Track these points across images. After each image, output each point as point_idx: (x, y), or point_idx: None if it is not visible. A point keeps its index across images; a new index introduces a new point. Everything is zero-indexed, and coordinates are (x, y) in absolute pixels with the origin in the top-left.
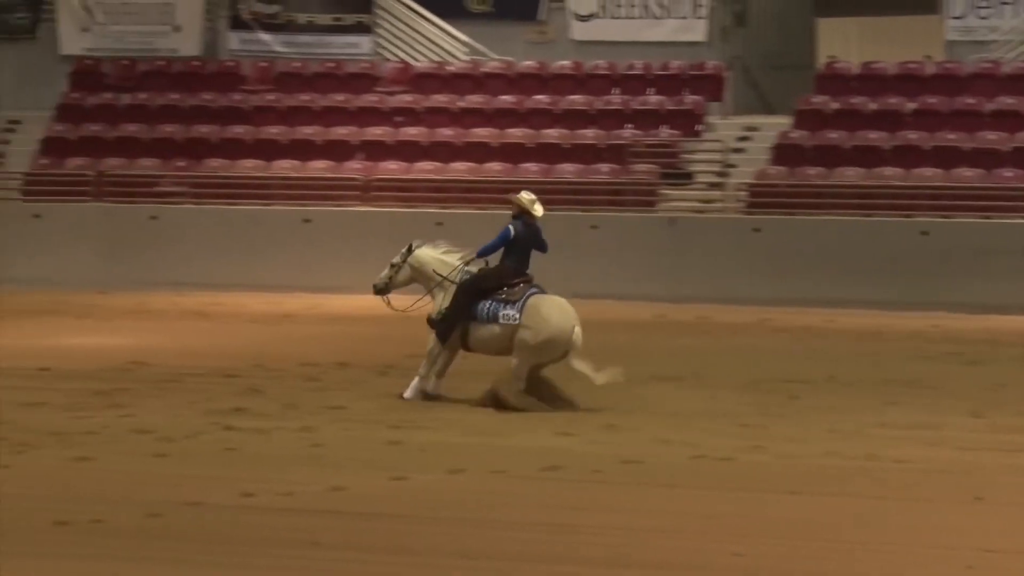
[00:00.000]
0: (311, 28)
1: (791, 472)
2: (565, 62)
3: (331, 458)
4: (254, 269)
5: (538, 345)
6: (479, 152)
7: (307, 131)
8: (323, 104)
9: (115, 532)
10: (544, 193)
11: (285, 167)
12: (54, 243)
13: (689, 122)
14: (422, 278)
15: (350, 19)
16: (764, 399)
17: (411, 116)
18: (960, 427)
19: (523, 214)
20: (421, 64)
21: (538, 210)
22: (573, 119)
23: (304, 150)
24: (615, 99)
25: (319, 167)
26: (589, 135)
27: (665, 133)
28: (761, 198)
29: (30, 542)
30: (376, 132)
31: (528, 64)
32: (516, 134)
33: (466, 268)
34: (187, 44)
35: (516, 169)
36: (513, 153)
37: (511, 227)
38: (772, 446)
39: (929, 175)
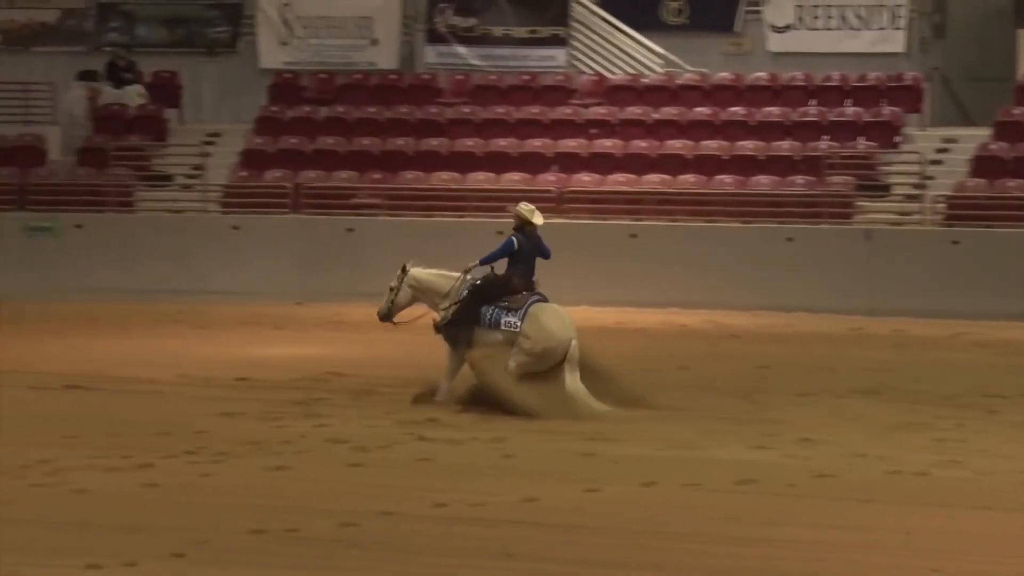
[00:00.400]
0: (507, 41)
1: (988, 488)
2: (761, 73)
3: (523, 469)
4: None
5: (537, 354)
6: (673, 164)
7: (502, 143)
8: (518, 116)
9: (309, 541)
10: (739, 205)
11: (480, 179)
12: (252, 254)
13: (887, 134)
14: (423, 294)
15: (545, 32)
16: (961, 414)
17: (605, 128)
18: None
19: (525, 225)
20: (616, 76)
21: (538, 219)
22: (769, 131)
23: (499, 162)
24: (811, 110)
25: (513, 179)
26: (785, 147)
27: (862, 145)
28: (960, 210)
29: (226, 550)
30: (570, 144)
31: (723, 76)
32: (711, 146)
33: (468, 278)
34: (385, 57)
35: (711, 181)
36: (707, 165)
37: (514, 239)
38: (969, 461)
39: None
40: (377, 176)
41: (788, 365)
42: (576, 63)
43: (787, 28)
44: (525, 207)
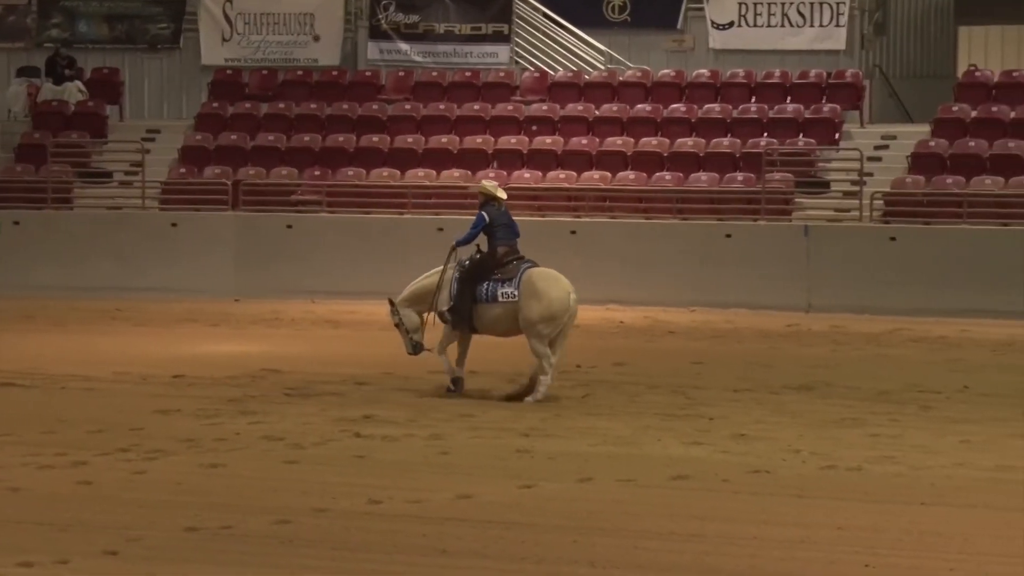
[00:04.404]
0: (449, 38)
1: (922, 483)
2: (703, 71)
3: (459, 465)
4: (388, 277)
5: (542, 318)
6: (614, 161)
7: (443, 140)
8: (459, 113)
9: (243, 538)
10: (679, 202)
11: (420, 176)
12: (191, 251)
13: (827, 131)
14: (421, 304)
15: (488, 28)
16: (896, 409)
17: (547, 125)
18: None
19: (491, 200)
20: (558, 73)
21: (502, 194)
22: (709, 128)
23: (439, 159)
24: (752, 108)
25: (454, 176)
26: (725, 144)
27: (802, 142)
28: (898, 207)
29: (160, 547)
30: (511, 141)
31: (665, 73)
32: (652, 143)
33: (453, 265)
34: (327, 54)
35: (651, 178)
36: (648, 162)
37: (484, 213)
38: (903, 457)
39: None
40: (317, 173)
41: (724, 361)
42: (519, 60)
43: (729, 25)
44: (489, 183)
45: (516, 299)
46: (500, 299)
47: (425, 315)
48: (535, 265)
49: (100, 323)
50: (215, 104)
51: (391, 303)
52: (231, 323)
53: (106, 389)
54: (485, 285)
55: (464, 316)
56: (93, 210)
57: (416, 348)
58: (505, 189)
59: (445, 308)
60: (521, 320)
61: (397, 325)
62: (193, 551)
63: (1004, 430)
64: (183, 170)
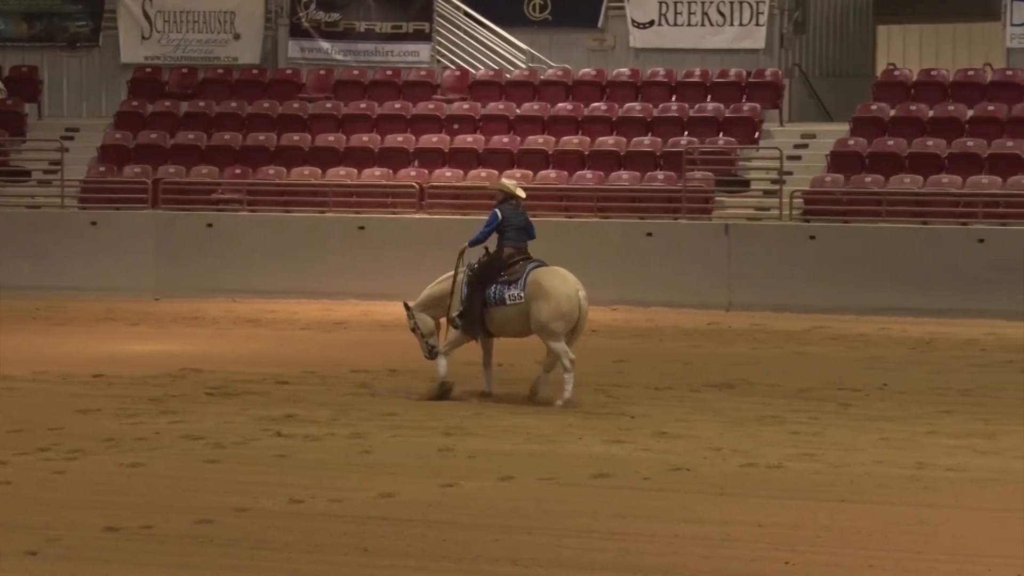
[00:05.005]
0: (370, 36)
1: (842, 480)
2: (623, 69)
3: (381, 464)
4: (309, 276)
5: (552, 318)
6: (535, 160)
7: (364, 139)
8: (380, 112)
9: (164, 538)
10: (600, 201)
11: (341, 175)
12: (110, 250)
13: (747, 130)
14: (436, 309)
15: (409, 27)
16: (816, 407)
17: (468, 124)
18: (1014, 436)
19: (509, 198)
20: (479, 72)
21: (520, 192)
22: (630, 127)
23: (360, 157)
24: (673, 106)
25: (375, 175)
26: (646, 143)
27: (722, 141)
28: (817, 205)
29: (80, 547)
30: (432, 140)
31: (586, 72)
32: (573, 142)
33: (463, 268)
34: (247, 52)
35: (572, 177)
36: (569, 161)
37: (498, 211)
38: (823, 454)
39: (986, 183)
40: (238, 171)
41: (646, 359)
42: (440, 59)
43: (650, 24)
44: (509, 181)
45: (522, 300)
46: (507, 301)
47: (441, 319)
48: (541, 264)
49: (19, 322)
50: (135, 102)
51: (407, 307)
52: (151, 322)
53: (25, 389)
54: (493, 288)
55: (475, 321)
56: (12, 209)
57: (432, 352)
58: (427, 188)
59: (456, 314)
60: (532, 322)
61: (413, 330)
62: (113, 551)
63: (922, 428)
64: (102, 169)
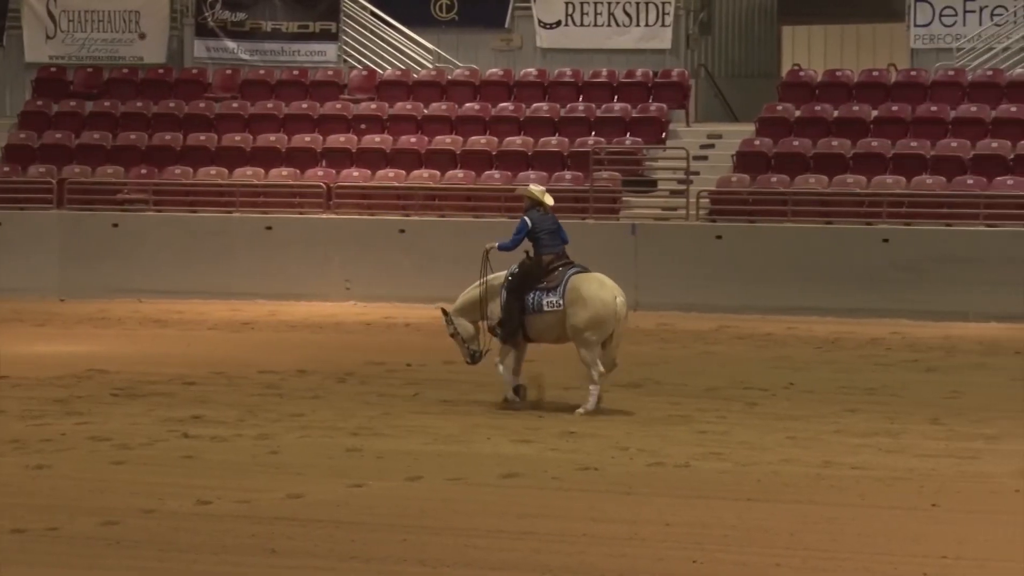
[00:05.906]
0: (277, 36)
1: (749, 479)
2: (530, 70)
3: (289, 465)
4: (215, 277)
5: (588, 325)
6: (442, 160)
7: (271, 138)
8: (287, 112)
9: (70, 540)
10: (507, 201)
11: (248, 175)
12: (14, 251)
13: (653, 130)
14: (472, 314)
15: (316, 27)
16: (723, 406)
17: (375, 124)
18: (918, 434)
19: (536, 205)
20: (386, 72)
21: (549, 200)
22: (537, 127)
23: (267, 157)
24: (580, 107)
25: (282, 174)
26: (553, 143)
27: (629, 141)
28: (723, 205)
29: None
30: (339, 140)
31: (493, 72)
32: (480, 142)
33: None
34: (152, 51)
35: (480, 177)
36: (477, 161)
37: (527, 218)
38: (730, 453)
39: (891, 183)
40: (144, 171)
41: (553, 359)
42: (347, 59)
43: (556, 25)
44: (535, 187)
45: (561, 307)
46: (546, 308)
47: (479, 323)
48: (583, 270)
49: None
50: (39, 102)
51: (444, 313)
52: (57, 323)
53: None
54: (532, 295)
55: (514, 328)
56: None
57: (474, 357)
58: (334, 188)
59: (495, 322)
60: (568, 328)
61: (453, 335)
62: (19, 552)
63: (828, 426)
64: (7, 168)
